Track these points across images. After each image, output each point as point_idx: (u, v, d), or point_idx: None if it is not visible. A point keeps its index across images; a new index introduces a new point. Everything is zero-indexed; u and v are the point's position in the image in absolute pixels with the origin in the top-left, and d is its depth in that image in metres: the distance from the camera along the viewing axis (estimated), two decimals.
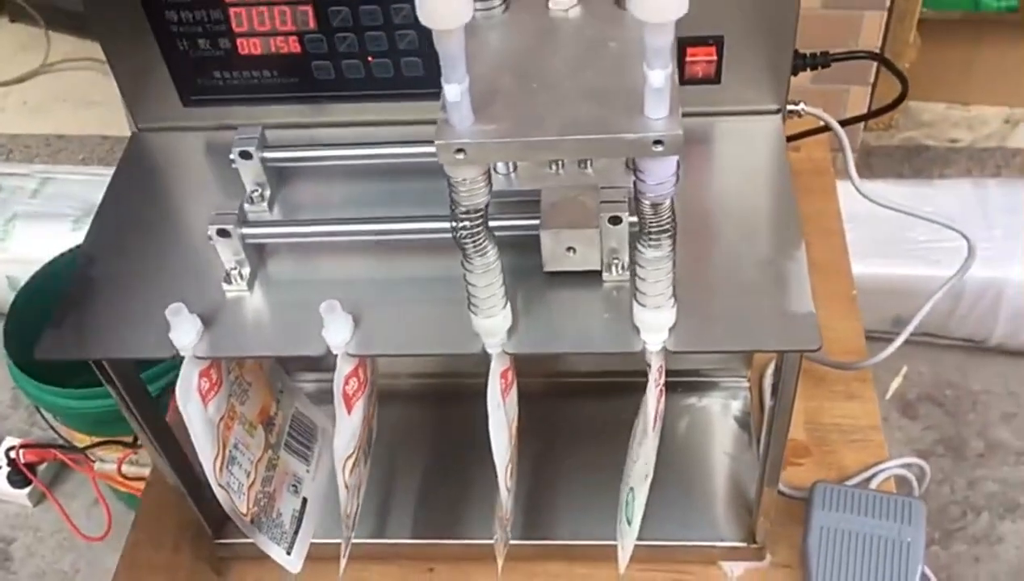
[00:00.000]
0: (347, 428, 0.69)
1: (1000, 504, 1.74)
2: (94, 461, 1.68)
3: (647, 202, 0.56)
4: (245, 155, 0.71)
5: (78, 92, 2.64)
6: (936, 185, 1.96)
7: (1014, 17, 2.28)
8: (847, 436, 0.99)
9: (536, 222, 0.66)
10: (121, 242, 0.60)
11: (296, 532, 0.82)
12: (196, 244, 0.71)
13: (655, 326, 0.62)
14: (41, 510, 1.88)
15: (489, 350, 0.64)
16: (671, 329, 0.63)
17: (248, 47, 0.72)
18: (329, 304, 0.63)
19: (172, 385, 1.24)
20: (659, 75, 0.49)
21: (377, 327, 0.66)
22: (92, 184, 2.12)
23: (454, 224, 0.57)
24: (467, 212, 0.56)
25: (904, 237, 1.83)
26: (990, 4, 2.30)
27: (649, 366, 0.65)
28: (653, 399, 0.66)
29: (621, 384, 0.97)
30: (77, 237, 1.84)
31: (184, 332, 0.64)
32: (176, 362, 1.36)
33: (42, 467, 1.87)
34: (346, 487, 0.72)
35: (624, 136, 0.51)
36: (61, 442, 1.72)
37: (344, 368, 0.66)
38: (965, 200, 1.88)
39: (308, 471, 0.86)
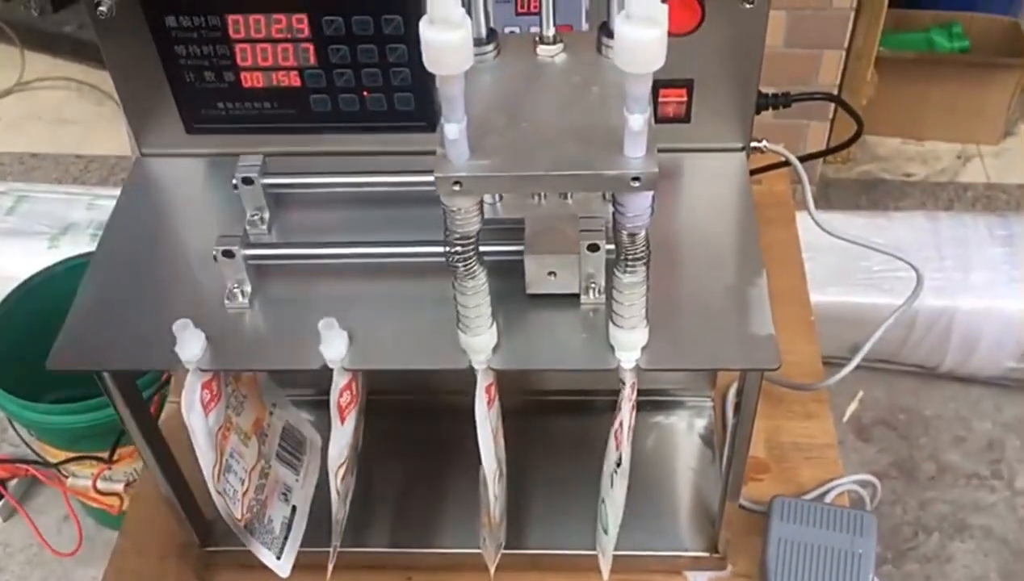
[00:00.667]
0: (341, 437, 0.73)
1: (950, 525, 1.80)
2: (66, 476, 1.69)
3: (624, 233, 0.61)
4: (247, 181, 0.76)
5: (53, 111, 2.66)
6: (891, 217, 2.04)
7: (966, 58, 2.38)
8: (804, 453, 1.05)
9: (520, 248, 0.71)
10: (127, 259, 0.64)
11: (286, 538, 0.86)
12: (198, 263, 0.75)
13: (629, 345, 0.68)
14: (11, 525, 1.89)
15: (476, 366, 0.69)
16: (643, 348, 0.68)
17: (251, 80, 0.76)
18: (327, 321, 0.68)
19: (155, 396, 1.27)
20: (639, 119, 0.54)
21: (370, 343, 0.71)
22: (68, 202, 2.13)
23: (447, 249, 0.62)
24: (460, 238, 0.61)
25: (860, 267, 1.90)
26: (943, 45, 2.41)
27: (623, 383, 0.71)
28: (627, 414, 0.71)
29: (592, 403, 1.03)
30: (53, 255, 1.85)
31: (190, 346, 0.68)
32: (157, 374, 1.39)
33: (12, 482, 1.88)
34: (338, 493, 0.77)
35: (605, 173, 0.57)
36: (33, 457, 1.73)
37: (339, 381, 0.70)
38: (919, 232, 1.96)
39: (297, 480, 0.90)
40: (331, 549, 0.83)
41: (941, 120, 2.43)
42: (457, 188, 0.56)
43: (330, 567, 0.83)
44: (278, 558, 0.84)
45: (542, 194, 0.75)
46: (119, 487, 1.67)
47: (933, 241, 1.94)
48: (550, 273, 0.70)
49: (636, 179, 0.57)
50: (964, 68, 2.37)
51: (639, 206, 0.60)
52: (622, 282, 0.64)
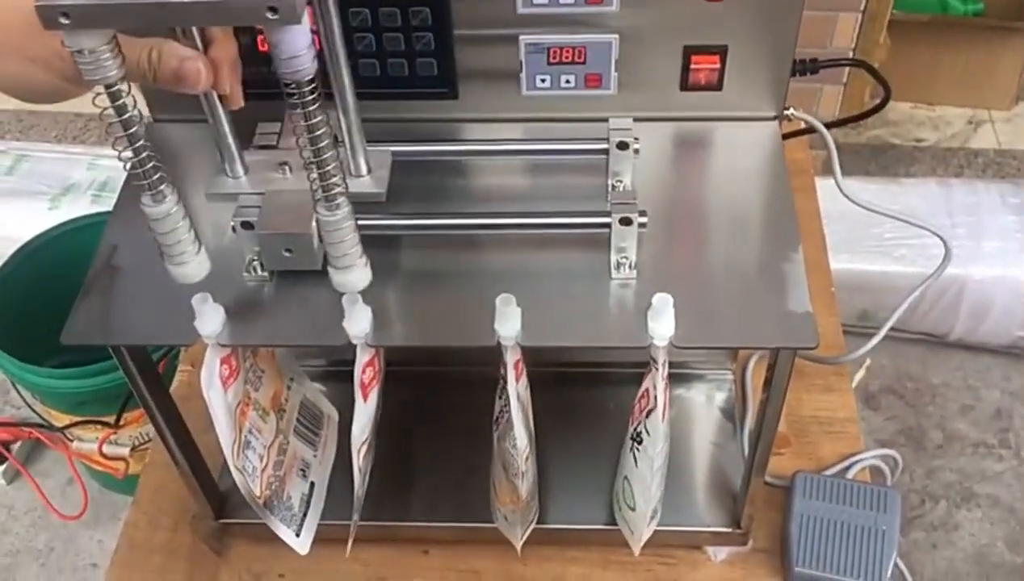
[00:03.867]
0: (363, 414, 0.71)
1: (957, 493, 1.80)
2: (71, 440, 1.68)
3: (296, 102, 0.54)
4: (266, 148, 0.74)
5: None
6: (903, 183, 2.02)
7: (980, 21, 2.35)
8: (825, 427, 1.04)
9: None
10: (141, 229, 0.62)
11: (304, 515, 0.85)
12: (216, 233, 0.73)
13: (349, 286, 0.64)
14: (15, 488, 1.88)
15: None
16: (675, 326, 0.66)
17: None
18: (350, 296, 0.66)
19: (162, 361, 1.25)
20: None
21: (394, 319, 0.69)
22: (68, 162, 2.10)
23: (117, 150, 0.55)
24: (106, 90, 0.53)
25: (871, 234, 1.89)
26: (957, 7, 2.37)
27: (654, 360, 0.69)
28: (661, 393, 0.69)
29: (614, 375, 1.01)
30: (55, 216, 1.83)
31: (209, 320, 0.66)
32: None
33: (16, 445, 1.87)
34: (360, 471, 0.75)
35: (236, 1, 0.49)
36: (37, 420, 1.72)
37: (363, 358, 0.69)
38: (931, 199, 1.94)
39: (315, 456, 0.89)
40: (351, 524, 0.81)
41: (953, 84, 2.40)
42: (66, 20, 0.49)
43: (350, 542, 0.82)
44: (297, 535, 0.83)
45: (288, 166, 0.71)
46: (125, 451, 1.66)
47: (945, 208, 1.92)
48: (286, 250, 0.67)
49: (272, 9, 0.49)
50: (977, 31, 2.33)
51: (293, 44, 0.52)
52: (324, 218, 0.59)
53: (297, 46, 0.52)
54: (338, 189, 0.58)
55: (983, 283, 1.86)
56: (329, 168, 0.57)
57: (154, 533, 0.98)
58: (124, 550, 0.97)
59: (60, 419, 1.65)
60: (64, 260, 1.61)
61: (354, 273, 0.63)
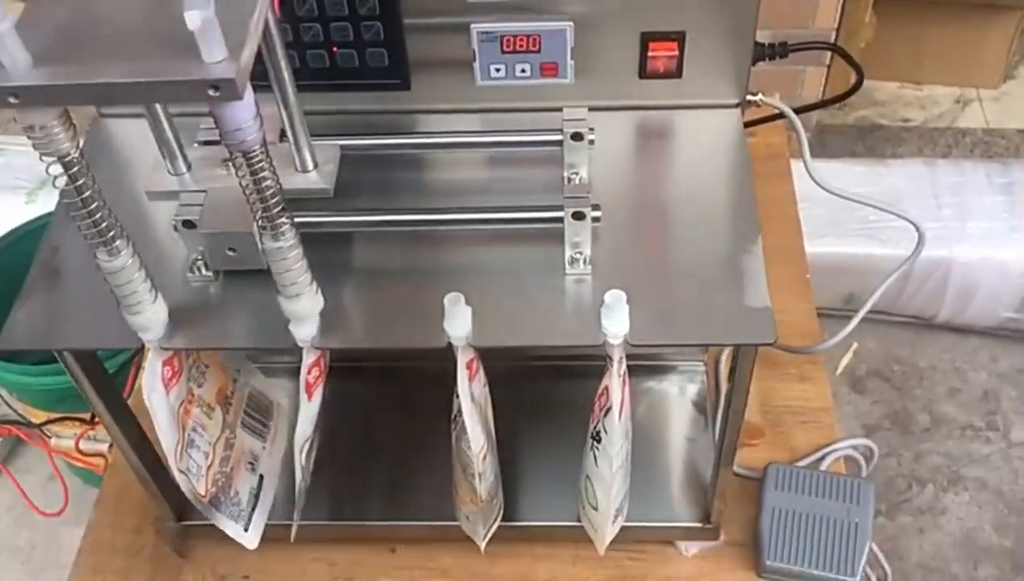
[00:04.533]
0: (308, 414, 0.69)
1: (944, 477, 1.79)
2: (50, 437, 1.66)
3: (241, 164, 0.55)
4: (209, 144, 0.71)
5: None
6: (889, 164, 2.00)
7: None
8: (798, 418, 1.02)
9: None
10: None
11: (253, 509, 0.83)
12: (159, 232, 0.71)
13: (300, 314, 0.64)
14: None
15: (146, 344, 0.65)
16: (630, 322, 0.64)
17: None
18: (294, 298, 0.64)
19: (128, 363, 1.23)
20: (195, 16, 0.47)
21: (342, 320, 0.67)
22: None
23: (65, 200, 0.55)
24: (63, 165, 0.54)
25: (855, 217, 1.86)
26: None
27: (610, 359, 0.67)
28: (617, 391, 0.67)
29: (579, 367, 0.99)
30: (32, 210, 1.81)
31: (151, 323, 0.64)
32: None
33: None
34: (302, 470, 0.74)
35: (177, 79, 0.50)
36: (15, 417, 1.70)
37: (308, 359, 0.67)
38: (916, 180, 1.92)
39: (264, 447, 0.87)
40: (294, 521, 0.80)
41: (940, 63, 2.37)
42: (14, 100, 0.50)
43: (293, 533, 0.81)
44: (245, 530, 0.81)
45: (232, 164, 0.70)
46: (103, 447, 1.64)
47: (931, 189, 1.90)
48: (229, 249, 0.66)
49: (214, 87, 0.49)
50: (964, 9, 2.30)
51: (236, 118, 0.52)
52: (266, 246, 0.59)
53: (241, 119, 0.52)
54: (283, 219, 0.57)
55: (969, 265, 1.84)
56: (272, 204, 0.57)
57: (117, 535, 0.97)
58: (87, 553, 0.96)
59: (37, 416, 1.64)
60: None
61: (303, 301, 0.62)
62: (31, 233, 1.65)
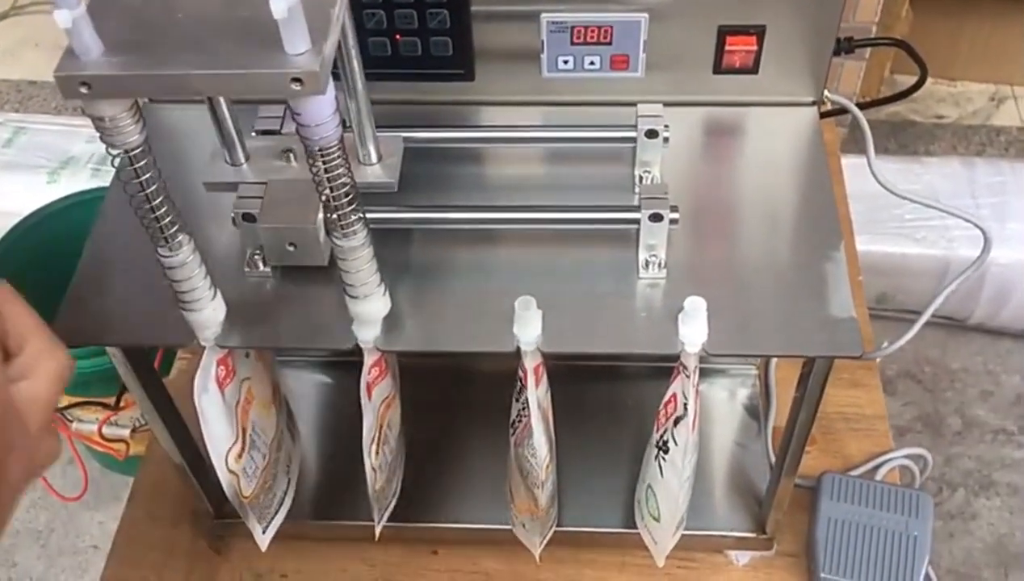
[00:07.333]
0: (370, 411, 0.67)
1: (976, 481, 1.76)
2: (71, 421, 1.65)
3: (320, 164, 0.52)
4: (267, 133, 0.69)
5: (50, 37, 2.55)
6: (925, 162, 1.96)
7: None
8: (851, 425, 0.99)
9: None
10: (135, 222, 0.57)
11: (277, 511, 0.81)
12: (214, 225, 0.68)
13: (366, 317, 0.62)
14: None
15: (202, 342, 0.63)
16: (708, 332, 0.61)
17: None
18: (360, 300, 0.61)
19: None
20: (281, 5, 0.44)
21: (405, 321, 0.64)
22: (67, 135, 2.05)
23: (129, 195, 0.53)
24: (130, 159, 0.51)
25: (892, 215, 1.83)
26: None
27: (684, 367, 0.64)
28: (692, 402, 0.65)
29: (629, 369, 0.97)
30: (53, 190, 1.78)
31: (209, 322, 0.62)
32: None
33: None
34: (373, 469, 0.71)
35: (258, 72, 0.47)
36: None
37: (370, 359, 0.64)
38: (955, 179, 1.88)
39: (295, 449, 0.85)
40: (376, 525, 0.80)
41: (975, 59, 2.33)
42: (85, 90, 0.48)
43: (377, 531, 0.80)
44: (263, 532, 0.79)
45: (292, 154, 0.67)
46: (125, 432, 1.63)
47: (969, 189, 1.87)
48: (290, 244, 0.63)
49: (297, 80, 0.47)
50: (1001, 4, 2.26)
51: (318, 113, 0.50)
52: (339, 247, 0.56)
53: (322, 114, 0.49)
54: (357, 217, 0.55)
55: (1007, 266, 1.81)
56: (345, 202, 0.54)
57: (152, 529, 0.94)
58: (121, 546, 0.94)
59: (60, 399, 1.62)
60: (63, 235, 1.57)
61: (372, 302, 0.59)
62: (54, 213, 1.63)
